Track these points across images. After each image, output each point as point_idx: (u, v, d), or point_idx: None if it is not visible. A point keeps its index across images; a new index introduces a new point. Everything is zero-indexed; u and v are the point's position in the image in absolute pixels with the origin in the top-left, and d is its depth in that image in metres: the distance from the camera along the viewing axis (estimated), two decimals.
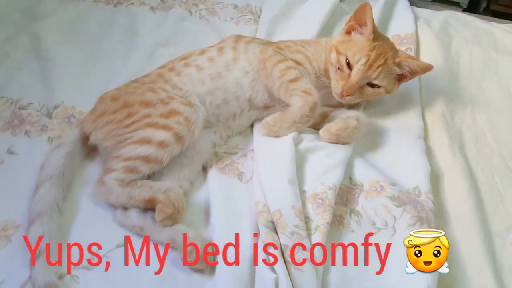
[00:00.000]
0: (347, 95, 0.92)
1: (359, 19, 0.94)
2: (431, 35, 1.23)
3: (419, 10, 1.37)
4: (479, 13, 2.23)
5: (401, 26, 1.25)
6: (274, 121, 0.90)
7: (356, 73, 0.91)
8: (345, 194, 0.83)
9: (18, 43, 1.12)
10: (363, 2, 1.34)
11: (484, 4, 2.53)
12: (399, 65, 0.93)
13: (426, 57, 1.16)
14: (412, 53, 1.14)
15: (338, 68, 0.93)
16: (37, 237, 0.72)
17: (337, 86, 0.93)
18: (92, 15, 1.24)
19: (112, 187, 0.79)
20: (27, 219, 0.76)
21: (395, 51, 0.95)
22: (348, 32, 0.96)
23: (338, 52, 0.93)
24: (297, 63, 0.95)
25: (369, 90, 0.93)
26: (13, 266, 0.71)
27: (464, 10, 2.38)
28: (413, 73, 0.94)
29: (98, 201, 0.81)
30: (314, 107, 0.89)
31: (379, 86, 0.93)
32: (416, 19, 1.29)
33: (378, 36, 0.94)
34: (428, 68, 0.93)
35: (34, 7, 1.23)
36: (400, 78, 0.95)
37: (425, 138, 0.95)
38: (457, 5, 2.63)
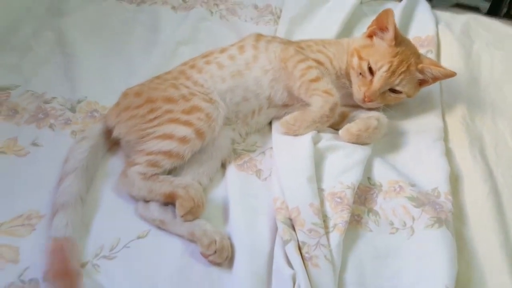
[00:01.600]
0: (369, 101, 0.92)
1: (381, 24, 0.94)
2: (452, 37, 1.23)
3: (440, 13, 1.36)
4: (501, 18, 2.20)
5: (422, 28, 1.25)
6: (294, 120, 0.91)
7: (378, 80, 0.91)
8: (364, 194, 0.83)
9: (42, 38, 1.15)
10: (382, 4, 1.38)
11: (504, 9, 2.50)
12: (421, 71, 0.93)
13: (447, 60, 1.16)
14: (432, 55, 1.14)
15: (360, 73, 0.93)
16: (60, 227, 0.74)
17: (359, 92, 0.93)
18: (115, 13, 1.26)
19: (135, 180, 0.80)
20: (51, 210, 0.77)
21: (417, 56, 0.95)
22: (370, 36, 0.96)
23: (360, 57, 0.93)
24: (318, 62, 0.95)
25: (391, 95, 0.94)
26: (36, 254, 0.72)
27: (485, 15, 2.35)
28: (435, 79, 0.94)
29: (120, 192, 0.83)
30: (334, 107, 0.89)
31: (400, 92, 0.93)
32: (437, 22, 1.28)
33: (401, 41, 0.94)
34: (451, 75, 0.93)
35: (58, 3, 1.26)
36: (422, 82, 0.96)
37: (445, 140, 0.95)
38: (477, 10, 2.61)
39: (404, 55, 0.91)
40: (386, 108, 0.94)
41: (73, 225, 0.75)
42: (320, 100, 0.89)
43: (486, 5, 2.53)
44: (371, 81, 0.92)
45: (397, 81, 0.91)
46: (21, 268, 0.70)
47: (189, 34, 1.22)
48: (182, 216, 0.77)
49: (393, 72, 0.90)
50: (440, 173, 0.85)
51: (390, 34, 0.92)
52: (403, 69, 0.91)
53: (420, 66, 0.92)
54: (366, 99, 0.92)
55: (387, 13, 0.92)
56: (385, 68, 0.90)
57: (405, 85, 0.92)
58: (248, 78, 0.94)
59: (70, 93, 1.01)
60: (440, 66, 0.94)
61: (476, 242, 0.79)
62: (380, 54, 0.91)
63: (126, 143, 0.87)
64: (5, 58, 1.07)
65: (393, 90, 0.93)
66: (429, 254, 0.73)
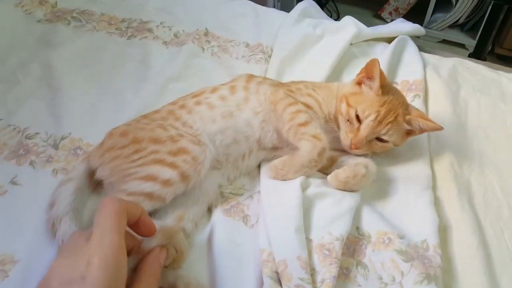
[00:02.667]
0: (356, 149, 0.92)
1: (368, 73, 0.95)
2: (440, 82, 1.24)
3: (427, 56, 1.38)
4: (484, 58, 2.26)
5: (410, 72, 1.26)
6: (282, 164, 0.90)
7: (365, 128, 0.91)
8: (352, 245, 0.81)
9: (29, 70, 1.12)
10: (372, 46, 1.40)
11: (488, 47, 2.58)
12: (409, 122, 0.93)
13: (434, 105, 1.17)
14: (420, 100, 1.15)
15: (348, 120, 0.93)
16: None
17: (346, 138, 0.93)
18: (106, 46, 1.25)
19: None
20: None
21: (405, 107, 0.95)
22: (359, 83, 0.97)
23: (348, 104, 0.94)
24: (307, 106, 0.95)
25: (378, 144, 0.94)
26: None
27: (470, 54, 2.42)
28: (422, 131, 0.95)
29: None
30: (323, 152, 0.89)
31: (387, 141, 0.93)
32: (424, 65, 1.30)
33: (389, 90, 0.94)
34: (438, 129, 0.94)
35: (49, 34, 1.24)
36: (409, 132, 0.96)
37: (434, 187, 0.94)
38: (463, 46, 2.68)
39: (392, 104, 0.92)
40: (374, 155, 0.94)
41: None
42: (309, 145, 0.89)
43: (471, 43, 2.62)
44: (358, 128, 0.92)
45: (383, 131, 0.92)
46: None
47: (180, 70, 1.21)
48: (166, 266, 0.73)
49: (380, 122, 0.91)
50: (428, 224, 0.84)
51: (376, 84, 0.92)
52: (390, 119, 0.91)
53: (407, 117, 0.93)
54: (352, 146, 0.92)
55: (374, 63, 0.93)
56: (372, 117, 0.91)
57: (392, 135, 0.93)
58: (238, 119, 0.94)
59: (54, 128, 0.98)
60: (428, 119, 0.94)
61: None
62: (368, 103, 0.92)
63: (109, 184, 0.85)
64: None
65: (380, 139, 0.93)
66: None
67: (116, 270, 0.56)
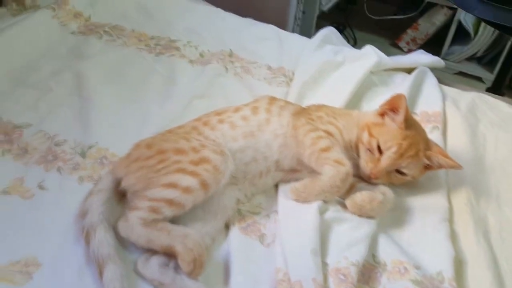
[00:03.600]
0: (375, 178, 0.93)
1: (393, 106, 0.96)
2: (459, 115, 1.25)
3: (446, 89, 1.40)
4: (502, 92, 2.26)
5: (429, 103, 1.28)
6: (304, 187, 0.91)
7: (385, 160, 0.92)
8: (368, 272, 0.82)
9: (61, 79, 1.17)
10: (391, 75, 1.42)
11: (507, 82, 2.58)
12: (429, 158, 0.95)
13: (453, 137, 1.18)
14: (439, 132, 1.16)
15: (368, 149, 0.95)
16: (115, 279, 0.74)
17: (365, 167, 0.95)
18: (135, 61, 1.29)
19: (134, 225, 0.80)
20: (94, 264, 0.76)
21: (427, 142, 0.97)
22: (381, 115, 0.98)
23: (370, 134, 0.95)
24: (329, 133, 0.97)
25: (397, 176, 0.95)
26: None
27: (488, 88, 2.43)
28: (440, 167, 0.97)
29: (121, 235, 0.82)
30: (346, 178, 0.89)
31: (406, 174, 0.95)
32: (444, 98, 1.31)
33: (411, 124, 0.96)
34: (457, 167, 0.96)
35: (81, 46, 1.30)
36: (427, 167, 0.97)
37: (450, 220, 0.95)
38: (479, 80, 2.68)
39: (413, 139, 0.94)
40: (391, 185, 0.95)
41: (122, 277, 0.75)
42: (331, 170, 0.90)
43: (489, 77, 2.62)
44: (378, 159, 0.93)
45: (404, 164, 0.93)
46: None
47: (204, 88, 1.25)
48: (188, 274, 0.76)
49: (401, 155, 0.92)
50: (444, 256, 0.85)
51: (400, 117, 0.94)
52: (411, 153, 0.93)
53: (428, 153, 0.95)
54: (372, 175, 0.93)
55: (400, 98, 0.94)
56: (394, 149, 0.92)
57: (411, 169, 0.94)
58: (259, 140, 0.96)
59: (82, 137, 1.02)
60: (448, 157, 0.96)
61: None
62: (390, 135, 0.93)
63: (133, 193, 0.87)
64: (22, 96, 1.09)
65: (399, 172, 0.95)
66: None
67: None
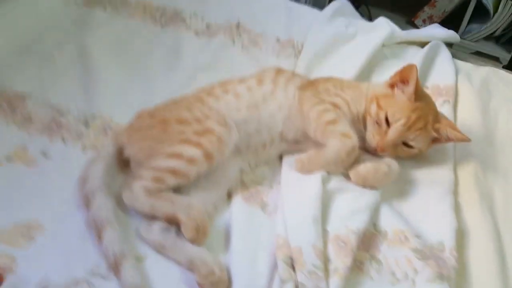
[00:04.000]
0: (381, 151, 0.92)
1: (403, 77, 0.94)
2: (471, 90, 1.22)
3: (460, 63, 1.37)
4: None
5: (441, 77, 1.25)
6: (309, 159, 0.90)
7: (393, 132, 0.90)
8: (368, 240, 0.81)
9: (66, 50, 1.16)
10: (404, 48, 1.39)
11: None
12: (437, 131, 0.93)
13: (464, 112, 1.15)
14: (449, 106, 1.14)
15: (376, 121, 0.93)
16: (111, 243, 0.74)
17: (372, 140, 0.93)
18: (140, 32, 1.28)
19: (138, 194, 0.80)
20: (93, 230, 0.77)
21: (436, 114, 0.95)
22: (391, 86, 0.96)
23: (378, 106, 0.93)
24: (335, 106, 0.95)
25: (403, 149, 0.93)
26: (35, 266, 0.71)
27: (504, 67, 2.37)
28: (448, 140, 0.95)
29: (126, 211, 0.82)
30: (352, 151, 0.88)
31: (413, 147, 0.93)
32: (457, 72, 1.28)
33: (421, 96, 0.94)
34: (465, 140, 0.94)
35: (85, 17, 1.28)
36: (435, 140, 0.95)
37: (455, 193, 0.93)
38: (496, 60, 2.62)
39: (422, 111, 0.91)
40: (398, 158, 0.93)
41: (119, 240, 0.75)
42: (338, 143, 0.88)
43: (506, 57, 2.55)
44: (386, 132, 0.91)
45: (412, 136, 0.91)
46: (15, 279, 0.69)
47: (209, 60, 1.23)
48: (191, 242, 0.77)
49: (410, 127, 0.90)
50: (447, 227, 0.84)
51: (410, 89, 0.91)
52: (420, 126, 0.91)
53: (437, 126, 0.93)
54: (378, 148, 0.92)
55: (411, 68, 0.92)
56: (402, 121, 0.90)
57: (419, 142, 0.92)
58: (263, 111, 0.95)
59: (85, 107, 1.02)
60: (457, 130, 0.94)
61: None
62: (399, 107, 0.91)
63: (136, 163, 0.87)
64: (26, 65, 1.09)
65: (406, 144, 0.93)
66: None
67: None
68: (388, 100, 0.94)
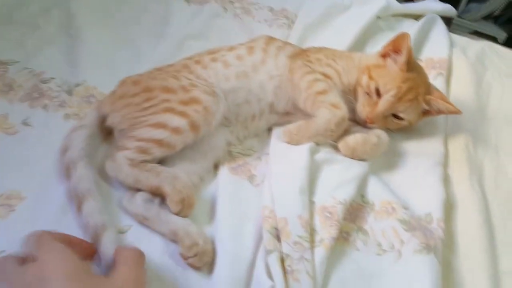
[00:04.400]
0: (371, 123, 0.90)
1: (396, 47, 0.92)
2: (466, 63, 1.21)
3: (456, 37, 1.35)
4: None
5: (436, 50, 1.23)
6: (297, 130, 0.88)
7: (383, 104, 0.89)
8: (355, 211, 0.80)
9: (50, 16, 1.12)
10: (399, 21, 1.36)
11: None
12: (428, 102, 0.91)
13: (457, 85, 1.14)
14: (443, 78, 1.12)
15: (367, 92, 0.91)
16: (95, 213, 0.72)
17: (362, 111, 0.91)
18: None
19: (122, 165, 0.78)
20: (72, 198, 0.75)
21: (427, 86, 0.93)
22: (384, 56, 0.94)
23: (370, 77, 0.91)
24: (326, 76, 0.93)
25: (393, 121, 0.92)
26: (14, 237, 0.69)
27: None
28: (439, 112, 0.93)
29: (109, 181, 0.80)
30: (341, 122, 0.86)
31: (403, 119, 0.91)
32: (452, 45, 1.26)
33: (413, 67, 0.91)
34: (456, 112, 0.92)
35: None
36: (425, 112, 0.94)
37: (445, 166, 0.93)
38: (494, 40, 2.59)
39: (414, 82, 0.89)
40: (387, 130, 0.92)
41: (100, 211, 0.73)
42: (327, 113, 0.86)
43: (504, 36, 2.53)
44: (376, 103, 0.90)
45: (402, 108, 0.89)
46: None
47: (200, 29, 1.20)
48: (176, 214, 0.75)
49: (400, 98, 0.88)
50: (435, 198, 0.83)
51: (402, 59, 0.89)
52: (410, 97, 0.89)
53: (428, 97, 0.91)
54: (368, 120, 0.90)
55: (404, 37, 0.90)
56: (392, 92, 0.88)
57: (409, 113, 0.91)
58: (253, 81, 0.92)
59: (69, 75, 0.98)
60: (448, 102, 0.92)
61: (464, 272, 0.77)
62: (390, 77, 0.89)
63: (119, 132, 0.85)
64: (9, 32, 1.05)
65: (396, 116, 0.91)
66: (414, 280, 0.70)
67: None
68: (380, 70, 0.92)
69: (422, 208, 0.81)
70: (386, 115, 0.91)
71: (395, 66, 0.91)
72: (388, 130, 0.92)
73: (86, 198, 0.73)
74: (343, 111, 0.86)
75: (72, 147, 0.80)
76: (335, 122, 0.86)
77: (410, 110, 0.91)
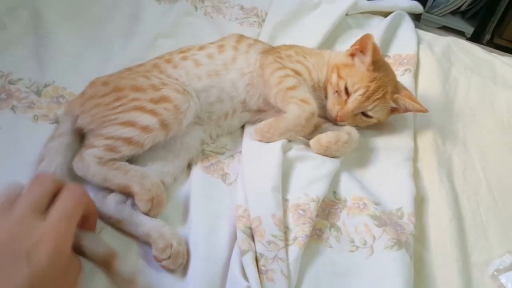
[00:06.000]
0: (341, 121, 0.92)
1: (362, 47, 0.93)
2: (432, 59, 1.23)
3: (422, 33, 1.37)
4: (482, 45, 2.25)
5: (403, 46, 1.25)
6: (268, 127, 0.89)
7: (352, 102, 0.90)
8: (328, 208, 0.81)
9: (17, 16, 1.09)
10: (368, 18, 1.38)
11: (487, 37, 2.56)
12: (396, 101, 0.93)
13: (424, 80, 1.16)
14: (410, 74, 1.14)
15: (336, 91, 0.92)
16: None
17: (332, 109, 0.93)
18: None
19: (90, 163, 0.77)
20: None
21: (395, 85, 0.95)
22: (352, 55, 0.95)
23: (339, 76, 0.93)
24: (296, 73, 0.94)
25: (362, 119, 0.94)
26: None
27: (468, 40, 2.40)
28: (406, 110, 0.95)
29: (77, 174, 0.79)
30: (311, 117, 0.87)
31: (372, 117, 0.93)
32: (419, 42, 1.29)
33: (380, 66, 0.93)
34: (422, 111, 0.94)
35: None
36: (394, 110, 0.96)
37: (415, 160, 0.95)
38: (462, 34, 2.65)
39: (381, 81, 0.91)
40: (357, 127, 0.94)
41: None
42: (297, 109, 0.87)
43: (471, 31, 2.59)
44: (345, 101, 0.91)
45: (370, 106, 0.91)
46: None
47: (170, 27, 1.19)
48: (146, 213, 0.75)
49: (368, 97, 0.90)
50: (405, 193, 0.85)
51: (368, 59, 0.91)
52: (378, 96, 0.91)
53: (395, 96, 0.93)
54: (338, 118, 0.92)
55: (368, 37, 0.91)
56: (360, 91, 0.90)
57: (377, 111, 0.93)
58: (224, 79, 0.92)
59: (38, 76, 0.97)
60: (415, 101, 0.94)
61: (436, 266, 0.79)
62: (359, 77, 0.91)
63: (89, 132, 0.84)
64: None
65: (365, 114, 0.93)
66: (386, 276, 0.72)
67: (63, 260, 0.52)
68: (348, 69, 0.93)
69: (393, 203, 0.83)
70: (356, 113, 0.93)
71: (362, 66, 0.93)
72: (357, 127, 0.94)
73: None
74: (312, 106, 0.88)
75: (48, 157, 0.79)
76: (305, 117, 0.87)
77: (378, 109, 0.93)
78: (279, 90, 0.90)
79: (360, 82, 0.90)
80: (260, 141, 0.89)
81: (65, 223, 0.55)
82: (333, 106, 0.93)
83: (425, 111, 0.94)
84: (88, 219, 0.64)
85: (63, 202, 0.56)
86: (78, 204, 0.58)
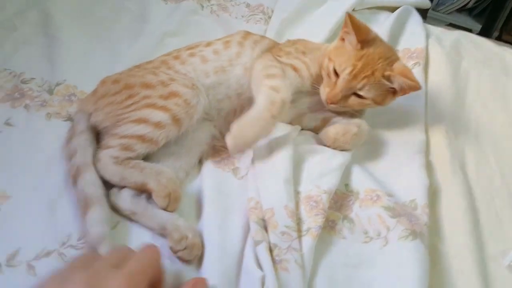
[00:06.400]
0: (331, 103, 0.89)
1: (347, 28, 0.90)
2: (442, 52, 1.22)
3: (431, 28, 1.37)
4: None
5: (412, 40, 1.24)
6: (238, 131, 0.81)
7: (340, 82, 0.87)
8: (340, 200, 0.81)
9: (27, 17, 1.11)
10: (374, 13, 1.38)
11: (496, 34, 2.55)
12: (388, 78, 0.87)
13: (434, 74, 1.16)
14: (420, 68, 1.13)
15: (327, 74, 0.90)
16: (97, 222, 0.71)
17: (323, 92, 0.90)
18: None
19: (107, 163, 0.78)
20: (80, 206, 0.74)
21: (389, 62, 0.88)
22: (343, 39, 0.93)
23: (329, 59, 0.90)
24: (294, 69, 0.92)
25: (355, 100, 0.89)
26: None
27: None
28: (402, 89, 0.88)
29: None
30: (281, 106, 0.80)
31: (365, 98, 0.88)
32: (428, 36, 1.28)
33: (371, 44, 0.88)
34: (414, 87, 0.87)
35: None
36: (394, 92, 0.90)
37: (427, 153, 0.94)
38: (469, 32, 2.65)
39: (370, 58, 0.86)
40: (370, 115, 0.92)
41: (107, 217, 0.72)
42: (263, 100, 0.80)
43: (478, 28, 2.58)
44: (335, 83, 0.88)
45: (359, 85, 0.87)
46: None
47: (177, 26, 1.20)
48: (164, 209, 0.75)
49: (356, 76, 0.86)
50: (418, 185, 0.84)
51: (353, 37, 0.88)
52: (366, 73, 0.86)
53: (387, 73, 0.87)
54: (328, 100, 0.89)
55: (349, 17, 0.88)
56: (347, 70, 0.86)
57: (369, 91, 0.87)
58: (230, 75, 0.92)
59: (49, 75, 0.98)
60: (407, 77, 0.86)
61: (451, 257, 0.78)
62: (346, 57, 0.88)
63: (103, 130, 0.84)
64: None
65: (357, 95, 0.89)
66: (401, 266, 0.71)
67: None
68: (338, 51, 0.90)
69: (406, 195, 0.83)
70: (346, 94, 0.88)
71: (350, 46, 0.89)
72: (355, 112, 0.92)
73: (93, 204, 0.73)
74: (281, 94, 0.81)
75: (80, 150, 0.80)
76: (277, 107, 0.80)
77: (369, 87, 0.87)
78: (257, 76, 0.87)
79: (347, 61, 0.86)
80: (234, 152, 0.84)
81: (137, 277, 0.53)
82: (324, 89, 0.90)
83: (416, 87, 0.86)
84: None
85: (141, 255, 0.56)
86: (155, 263, 0.57)
